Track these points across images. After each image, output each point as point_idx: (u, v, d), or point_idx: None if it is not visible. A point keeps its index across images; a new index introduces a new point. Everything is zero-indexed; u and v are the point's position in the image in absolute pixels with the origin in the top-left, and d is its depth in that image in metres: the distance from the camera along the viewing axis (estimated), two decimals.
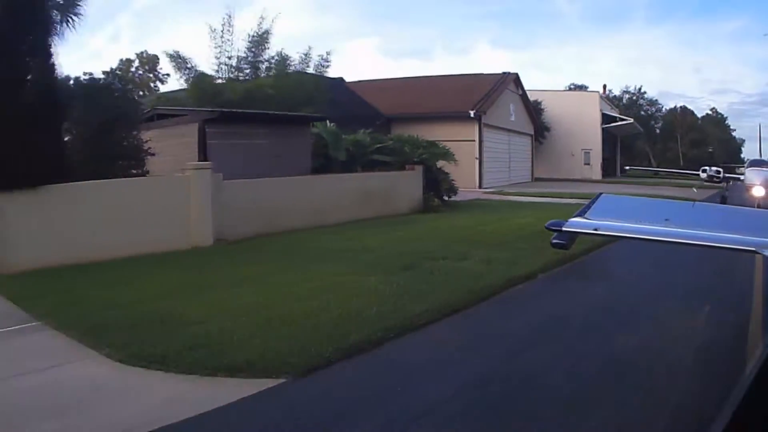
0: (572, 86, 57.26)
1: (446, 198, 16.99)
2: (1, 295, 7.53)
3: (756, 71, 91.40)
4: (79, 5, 9.75)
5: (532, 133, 36.66)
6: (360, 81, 30.71)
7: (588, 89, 54.83)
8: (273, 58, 18.67)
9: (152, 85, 42.16)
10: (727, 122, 61.44)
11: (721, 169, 26.02)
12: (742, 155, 54.85)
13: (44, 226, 8.87)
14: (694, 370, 4.77)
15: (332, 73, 20.40)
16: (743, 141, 64.69)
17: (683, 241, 2.06)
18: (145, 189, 10.32)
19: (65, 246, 8.93)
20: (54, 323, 6.30)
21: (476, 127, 27.15)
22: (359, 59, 76.99)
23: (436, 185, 16.38)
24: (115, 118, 10.40)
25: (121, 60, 31.14)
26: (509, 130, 31.60)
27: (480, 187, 26.29)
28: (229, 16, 17.99)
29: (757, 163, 20.84)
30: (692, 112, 58.48)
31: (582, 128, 39.36)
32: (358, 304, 6.36)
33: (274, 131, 13.35)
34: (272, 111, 14.43)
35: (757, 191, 18.13)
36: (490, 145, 28.32)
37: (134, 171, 11.12)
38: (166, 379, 4.48)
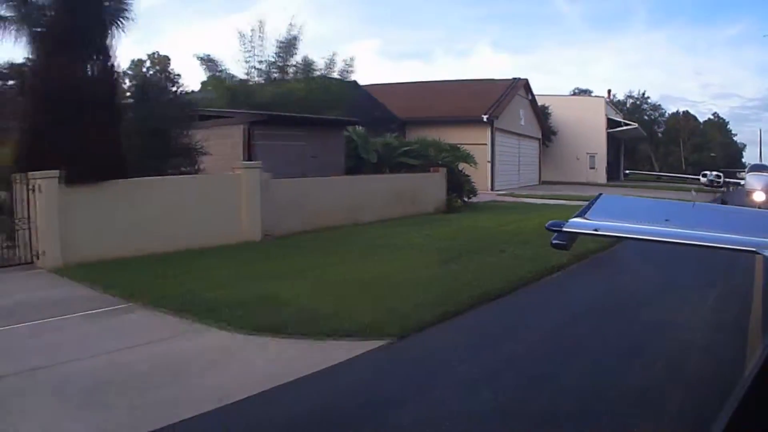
0: (576, 90, 58.24)
1: (467, 199, 17.83)
2: (79, 282, 8.33)
3: (757, 76, 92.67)
4: (127, 9, 10.38)
5: (540, 137, 37.57)
6: (373, 84, 31.53)
7: (592, 93, 55.88)
8: (299, 63, 19.51)
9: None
10: (728, 127, 62.37)
11: (721, 174, 26.27)
12: (743, 159, 55.88)
13: (107, 220, 9.64)
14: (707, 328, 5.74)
15: (351, 77, 21.18)
16: (744, 146, 65.63)
17: (683, 242, 2.05)
18: (200, 186, 11.16)
19: (127, 238, 9.72)
20: (145, 303, 7.10)
21: (488, 131, 28.03)
22: (359, 61, 77.89)
23: (459, 187, 17.25)
24: (172, 117, 11.20)
25: (133, 61, 31.81)
26: (519, 135, 32.50)
27: (492, 189, 27.15)
28: (261, 23, 18.85)
29: (757, 168, 21.00)
30: (695, 118, 59.41)
31: (587, 132, 40.23)
32: (422, 290, 7.23)
33: (311, 133, 14.23)
34: (302, 114, 15.27)
35: (758, 196, 18.25)
36: (501, 149, 29.20)
37: (186, 169, 11.92)
38: (282, 344, 5.33)
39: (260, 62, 18.68)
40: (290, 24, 19.05)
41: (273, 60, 18.96)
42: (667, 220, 2.22)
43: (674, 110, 61.68)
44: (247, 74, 18.83)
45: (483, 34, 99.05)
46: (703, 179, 25.27)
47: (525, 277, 8.58)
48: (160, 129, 11.46)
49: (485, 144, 27.76)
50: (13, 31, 9.84)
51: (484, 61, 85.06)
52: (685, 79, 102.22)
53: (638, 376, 4.71)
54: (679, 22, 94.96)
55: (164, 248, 9.89)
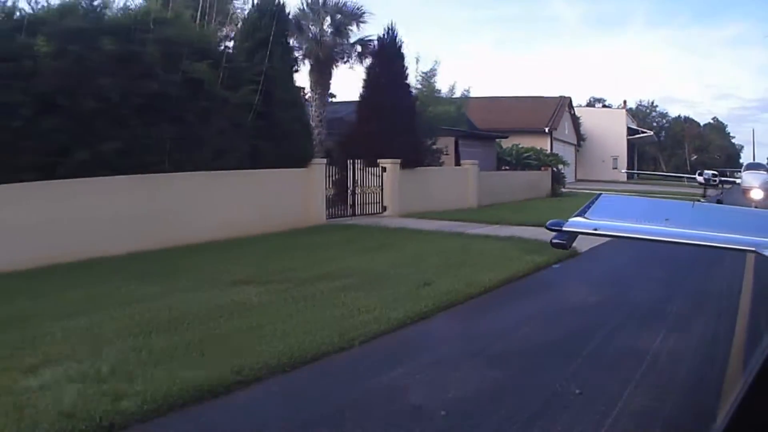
0: (592, 99, 67.44)
1: (561, 188, 26.69)
2: (410, 218, 16.73)
3: (756, 77, 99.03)
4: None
5: (575, 142, 46.50)
6: None
7: (605, 101, 65.46)
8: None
9: None
10: (727, 130, 71.60)
11: (717, 173, 26.76)
12: (741, 160, 62.74)
13: (413, 190, 17.79)
14: None
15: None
16: (742, 147, 73.69)
17: (683, 241, 2.04)
18: (448, 174, 19.78)
19: (421, 201, 17.74)
20: (465, 222, 15.61)
21: (549, 140, 36.86)
22: None
23: (558, 180, 26.04)
24: (427, 130, 19.59)
25: None
26: (564, 142, 41.41)
27: None
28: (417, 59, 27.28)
29: (753, 167, 21.61)
30: (698, 124, 68.72)
31: (611, 139, 49.30)
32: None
33: (482, 143, 22.93)
34: (454, 128, 23.77)
35: (756, 194, 18.75)
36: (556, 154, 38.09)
37: (436, 164, 20.33)
38: None
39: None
40: (435, 61, 27.54)
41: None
42: (666, 220, 2.22)
43: (674, 111, 71.05)
44: None
45: (482, 34, 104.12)
46: (699, 178, 25.96)
47: None
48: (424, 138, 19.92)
49: (547, 150, 36.55)
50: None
51: (483, 62, 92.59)
52: (684, 81, 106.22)
53: None
54: (678, 23, 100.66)
55: (435, 208, 18.29)
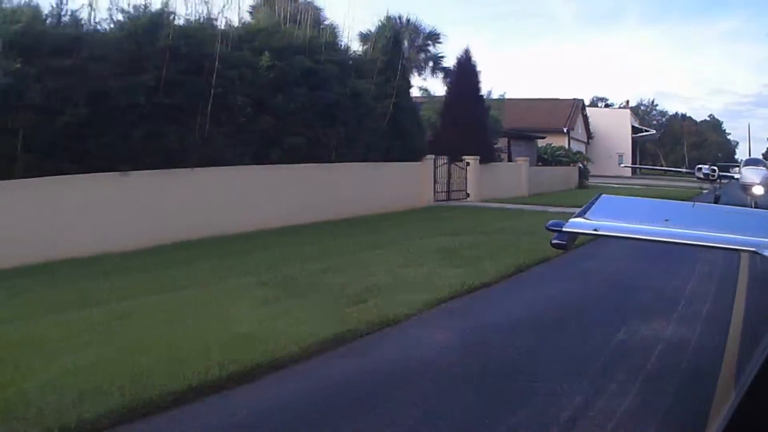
0: (595, 98, 72.35)
1: (586, 181, 31.44)
2: (489, 204, 21.39)
3: (751, 72, 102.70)
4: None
5: (585, 140, 51.31)
6: None
7: (608, 100, 70.47)
8: None
9: None
10: (723, 127, 76.65)
11: (715, 168, 26.66)
12: (736, 156, 67.70)
13: (487, 181, 22.37)
14: None
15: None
16: (737, 143, 78.19)
17: (683, 242, 2.06)
18: (509, 168, 24.34)
19: (494, 190, 22.44)
20: (544, 206, 20.26)
21: (566, 139, 41.53)
22: None
23: (584, 174, 30.79)
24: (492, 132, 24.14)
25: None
26: (578, 140, 46.16)
27: None
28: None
29: (752, 162, 21.82)
30: (695, 122, 73.86)
31: (616, 136, 54.20)
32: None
33: (525, 142, 27.57)
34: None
35: (758, 190, 18.84)
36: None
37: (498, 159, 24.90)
38: None
39: None
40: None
41: None
42: (666, 220, 2.24)
43: (673, 111, 76.14)
44: None
45: (478, 33, 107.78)
46: (698, 173, 26.28)
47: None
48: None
49: (565, 147, 41.25)
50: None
51: (481, 61, 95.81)
52: (679, 76, 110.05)
53: None
54: (673, 18, 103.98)
55: (500, 195, 22.82)
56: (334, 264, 8.12)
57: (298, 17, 15.37)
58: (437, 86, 25.01)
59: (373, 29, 19.12)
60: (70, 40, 10.50)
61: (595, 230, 2.12)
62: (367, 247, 9.83)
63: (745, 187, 19.68)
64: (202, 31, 12.56)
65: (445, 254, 9.07)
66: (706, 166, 26.07)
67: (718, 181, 25.65)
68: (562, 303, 6.81)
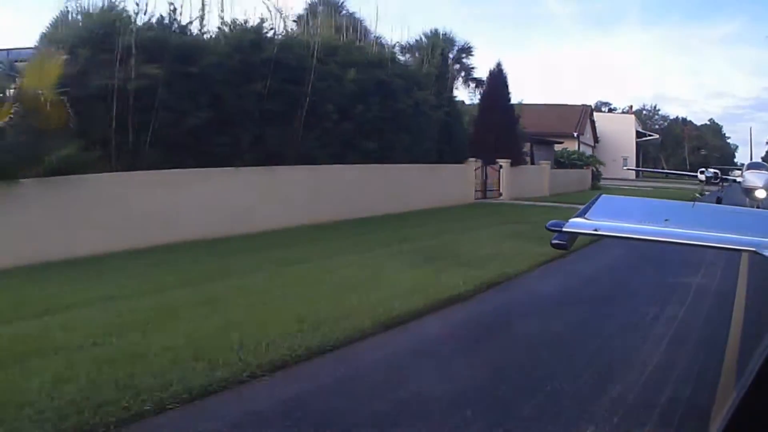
0: (599, 103, 75.29)
1: (599, 183, 34.35)
2: (517, 201, 24.18)
3: (751, 76, 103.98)
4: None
5: (592, 144, 54.26)
6: None
7: (611, 105, 73.55)
8: None
9: None
10: (723, 131, 79.46)
11: (718, 171, 27.76)
12: (735, 159, 69.69)
13: (515, 181, 25.15)
14: None
15: None
16: (737, 146, 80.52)
17: (683, 242, 2.08)
18: (533, 171, 27.17)
19: (521, 190, 25.21)
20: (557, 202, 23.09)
21: (576, 143, 44.40)
22: None
23: (597, 176, 33.72)
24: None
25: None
26: (586, 144, 49.09)
27: None
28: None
29: (755, 166, 22.11)
30: (697, 127, 76.82)
31: (621, 140, 57.17)
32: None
33: (545, 146, 30.48)
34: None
35: (761, 193, 19.08)
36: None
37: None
38: None
39: None
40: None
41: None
42: (666, 220, 2.24)
43: (673, 114, 79.04)
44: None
45: (477, 33, 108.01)
46: (701, 176, 27.10)
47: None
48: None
49: (579, 151, 44.13)
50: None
51: (479, 61, 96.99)
52: (679, 80, 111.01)
53: None
54: (672, 22, 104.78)
55: (526, 195, 25.58)
56: (446, 240, 10.98)
57: (350, 31, 17.57)
58: (465, 95, 27.17)
59: (412, 41, 21.90)
60: (191, 48, 12.11)
61: (595, 230, 2.15)
62: (458, 231, 12.70)
63: (748, 191, 19.97)
64: (299, 45, 14.66)
65: (518, 236, 11.85)
66: (710, 170, 27.34)
67: (720, 184, 26.36)
68: (626, 260, 9.79)
